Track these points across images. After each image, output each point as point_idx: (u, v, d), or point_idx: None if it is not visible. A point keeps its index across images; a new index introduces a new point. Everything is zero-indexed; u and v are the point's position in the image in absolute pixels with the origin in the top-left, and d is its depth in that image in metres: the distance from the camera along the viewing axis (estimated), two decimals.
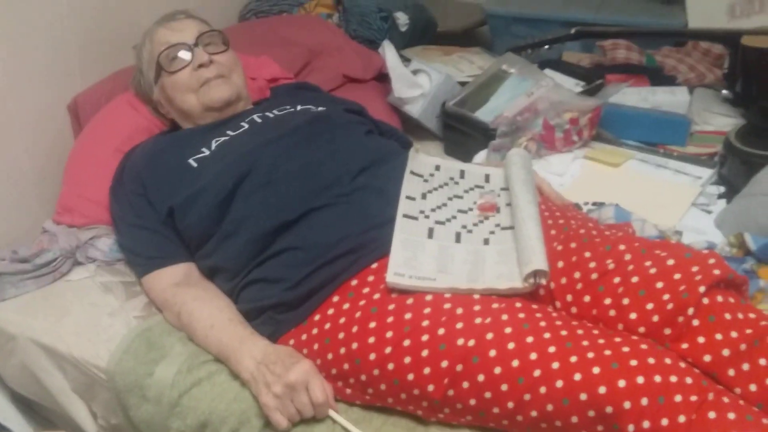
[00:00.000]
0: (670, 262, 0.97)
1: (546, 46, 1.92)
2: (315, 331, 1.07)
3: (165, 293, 1.22)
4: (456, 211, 1.17)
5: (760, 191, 1.26)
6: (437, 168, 1.27)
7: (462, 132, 1.68)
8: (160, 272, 1.25)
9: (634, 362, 0.87)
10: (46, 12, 1.51)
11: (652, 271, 0.97)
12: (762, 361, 0.89)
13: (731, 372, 0.90)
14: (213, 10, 1.92)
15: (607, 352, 0.88)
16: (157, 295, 1.24)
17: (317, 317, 1.08)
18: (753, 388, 0.89)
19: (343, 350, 1.02)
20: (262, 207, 1.19)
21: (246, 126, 1.34)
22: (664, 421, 0.82)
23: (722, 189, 1.43)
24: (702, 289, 0.92)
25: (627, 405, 0.84)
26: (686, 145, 1.62)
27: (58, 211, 1.47)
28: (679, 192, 1.42)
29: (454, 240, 1.10)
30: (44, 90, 1.55)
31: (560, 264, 1.05)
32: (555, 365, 0.88)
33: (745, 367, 0.90)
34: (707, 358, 0.91)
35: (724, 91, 1.73)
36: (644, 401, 0.83)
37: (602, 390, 0.85)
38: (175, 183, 1.26)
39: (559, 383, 0.87)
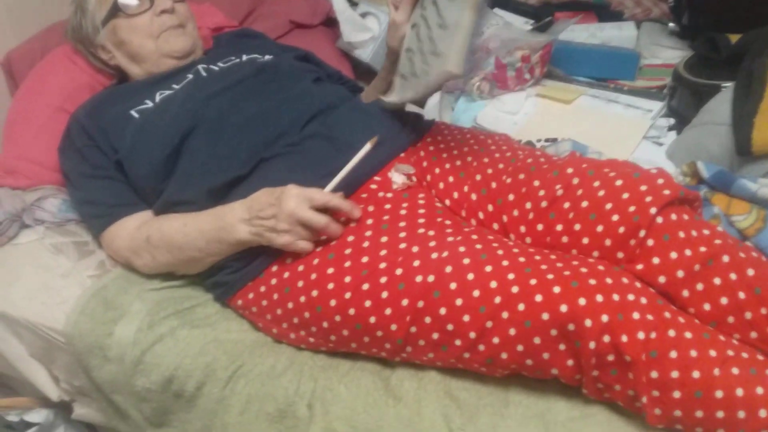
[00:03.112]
0: (618, 182, 0.97)
1: None
2: (274, 281, 1.06)
3: (131, 237, 1.18)
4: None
5: (710, 120, 1.27)
6: None
7: None
8: (124, 221, 1.20)
9: (592, 281, 0.88)
10: None
11: (601, 193, 0.97)
12: (716, 281, 0.91)
13: (686, 293, 0.92)
14: None
15: (567, 273, 0.89)
16: (123, 243, 1.19)
17: (275, 268, 1.07)
18: (707, 307, 0.91)
19: (303, 298, 1.02)
20: (211, 162, 1.16)
21: (191, 77, 1.30)
22: (624, 338, 0.84)
23: (672, 121, 1.44)
24: (653, 210, 0.93)
25: (588, 322, 0.85)
26: (636, 79, 1.63)
27: (0, 173, 1.42)
28: (630, 125, 1.43)
29: None
30: None
31: (511, 197, 1.05)
32: (515, 289, 0.89)
33: (700, 287, 0.91)
34: (662, 279, 0.92)
35: (671, 24, 1.74)
36: (604, 318, 0.84)
37: (564, 308, 0.86)
38: (118, 133, 1.22)
39: (521, 306, 0.88)
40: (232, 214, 1.07)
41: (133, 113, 1.24)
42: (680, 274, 0.92)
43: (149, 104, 1.26)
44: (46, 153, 1.37)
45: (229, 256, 1.11)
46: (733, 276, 0.90)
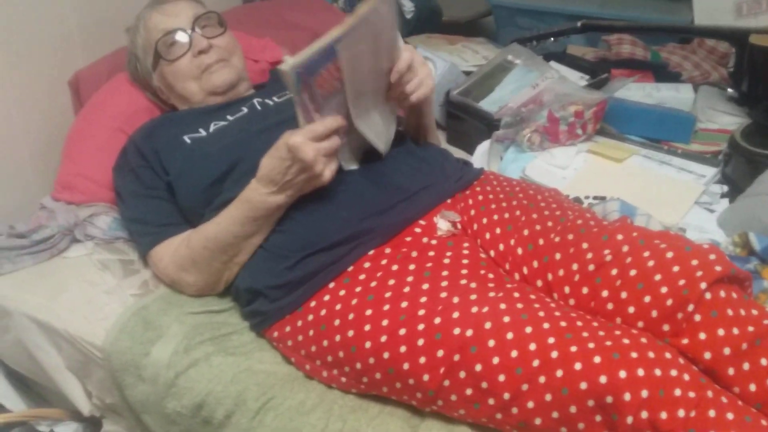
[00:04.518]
0: (669, 254, 0.95)
1: (551, 39, 1.91)
2: (311, 317, 1.06)
3: (176, 252, 1.21)
4: None
5: (765, 191, 1.25)
6: None
7: (465, 121, 1.67)
8: (171, 240, 1.23)
9: (634, 354, 0.86)
10: None
11: (650, 263, 0.95)
12: (763, 361, 0.88)
13: (731, 371, 0.89)
14: None
15: (608, 343, 0.87)
16: (169, 259, 1.22)
17: (313, 303, 1.07)
18: (752, 387, 0.88)
19: (338, 337, 1.01)
20: None
21: (246, 111, 1.33)
22: (663, 415, 0.81)
23: (725, 188, 1.42)
24: (703, 285, 0.91)
25: (627, 396, 0.83)
26: (690, 142, 1.60)
27: (57, 188, 1.46)
28: (682, 190, 1.41)
29: None
30: (44, 64, 1.54)
31: (558, 256, 1.04)
32: (554, 354, 0.87)
33: (746, 366, 0.89)
34: (707, 355, 0.90)
35: (730, 90, 1.72)
36: (644, 393, 0.82)
37: (603, 379, 0.84)
38: (169, 156, 1.26)
39: (559, 372, 0.86)
40: (256, 194, 1.10)
41: (186, 139, 1.27)
42: (726, 351, 0.89)
43: (202, 133, 1.29)
44: (102, 171, 1.40)
45: (269, 284, 1.11)
46: None
